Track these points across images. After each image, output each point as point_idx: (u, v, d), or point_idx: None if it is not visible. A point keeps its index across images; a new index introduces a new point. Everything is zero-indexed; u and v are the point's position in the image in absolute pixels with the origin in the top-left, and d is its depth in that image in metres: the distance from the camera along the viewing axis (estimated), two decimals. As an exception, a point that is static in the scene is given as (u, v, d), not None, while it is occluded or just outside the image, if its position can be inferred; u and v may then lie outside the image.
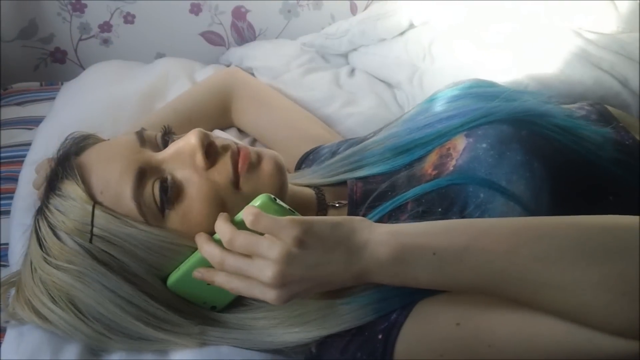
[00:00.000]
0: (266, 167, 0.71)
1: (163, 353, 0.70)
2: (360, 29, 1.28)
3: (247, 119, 1.11)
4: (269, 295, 0.61)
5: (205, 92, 1.11)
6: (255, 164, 0.71)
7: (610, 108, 0.88)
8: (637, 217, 0.58)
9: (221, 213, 0.66)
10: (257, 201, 0.65)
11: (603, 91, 1.06)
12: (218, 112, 1.10)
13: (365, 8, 1.48)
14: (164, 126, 0.74)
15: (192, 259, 0.68)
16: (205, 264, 0.66)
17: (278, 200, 0.65)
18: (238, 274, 0.63)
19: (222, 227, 0.64)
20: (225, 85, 1.12)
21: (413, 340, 0.64)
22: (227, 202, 0.68)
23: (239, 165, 0.70)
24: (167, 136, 0.73)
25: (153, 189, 0.68)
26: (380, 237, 0.61)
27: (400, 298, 0.65)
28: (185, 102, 1.08)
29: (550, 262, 0.57)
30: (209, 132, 0.72)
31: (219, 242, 0.65)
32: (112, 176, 0.68)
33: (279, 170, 0.72)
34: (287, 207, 0.66)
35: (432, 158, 0.77)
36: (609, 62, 1.06)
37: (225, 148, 0.71)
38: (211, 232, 0.67)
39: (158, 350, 0.70)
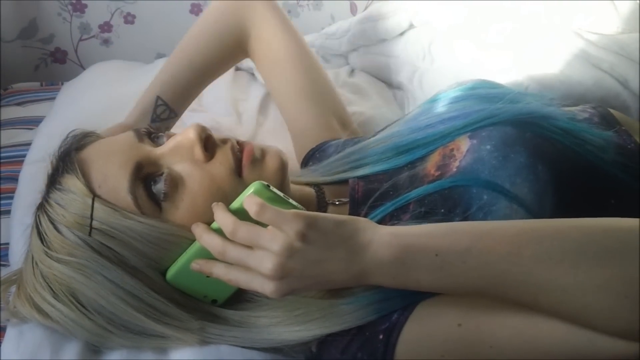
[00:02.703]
0: (270, 162, 0.71)
1: (162, 352, 0.70)
2: (360, 29, 1.28)
3: (266, 75, 1.05)
4: (268, 287, 0.61)
5: (216, 36, 0.98)
6: (259, 160, 0.71)
7: (612, 111, 0.88)
8: (639, 219, 0.58)
9: (217, 203, 0.66)
10: (251, 188, 0.65)
11: (603, 92, 1.06)
12: (233, 54, 1.01)
13: (365, 8, 1.48)
14: (149, 126, 0.74)
15: (190, 251, 0.67)
16: (203, 255, 0.66)
17: (271, 187, 0.65)
18: (238, 264, 0.63)
19: (224, 217, 0.64)
20: (237, 23, 0.99)
21: (414, 340, 0.64)
22: (228, 194, 0.68)
23: (243, 161, 0.70)
24: (156, 134, 0.73)
25: (146, 183, 0.68)
26: (382, 238, 0.61)
27: (401, 298, 0.65)
28: (198, 51, 0.98)
29: (553, 264, 0.57)
30: (206, 127, 0.72)
31: (217, 232, 0.65)
32: (110, 170, 0.68)
33: (282, 168, 0.72)
34: (282, 194, 0.66)
35: (435, 158, 0.77)
36: (609, 63, 1.06)
37: (225, 141, 0.71)
38: (208, 224, 0.67)
39: (158, 349, 0.70)
